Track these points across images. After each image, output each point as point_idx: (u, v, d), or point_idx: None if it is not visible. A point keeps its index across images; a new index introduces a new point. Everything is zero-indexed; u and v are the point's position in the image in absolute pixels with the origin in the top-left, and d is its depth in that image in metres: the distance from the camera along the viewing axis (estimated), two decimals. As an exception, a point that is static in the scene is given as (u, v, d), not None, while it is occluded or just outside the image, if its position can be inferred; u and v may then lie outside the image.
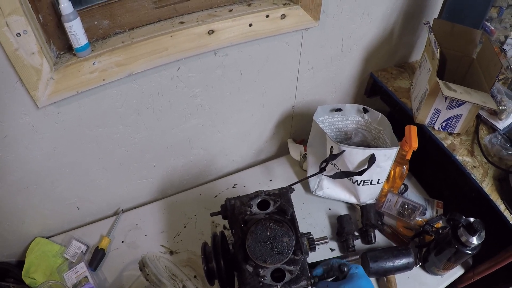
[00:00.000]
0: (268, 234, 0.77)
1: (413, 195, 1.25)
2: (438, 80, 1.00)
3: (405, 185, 1.25)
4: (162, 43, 0.89)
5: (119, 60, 0.87)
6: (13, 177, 0.96)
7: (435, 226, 1.10)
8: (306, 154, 1.28)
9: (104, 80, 0.87)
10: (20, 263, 1.13)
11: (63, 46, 0.86)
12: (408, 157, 1.07)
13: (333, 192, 1.21)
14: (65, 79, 0.83)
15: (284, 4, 0.99)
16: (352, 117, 1.19)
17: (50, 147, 0.96)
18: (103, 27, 0.88)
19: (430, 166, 1.26)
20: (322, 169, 1.04)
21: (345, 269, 0.79)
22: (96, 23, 0.87)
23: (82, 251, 1.12)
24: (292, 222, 0.83)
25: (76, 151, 1.00)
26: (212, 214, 0.93)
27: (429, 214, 1.19)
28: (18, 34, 0.72)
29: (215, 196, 1.28)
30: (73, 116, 0.92)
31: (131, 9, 0.88)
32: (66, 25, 0.78)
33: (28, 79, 0.79)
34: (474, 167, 1.07)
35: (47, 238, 1.16)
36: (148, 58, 0.89)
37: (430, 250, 1.06)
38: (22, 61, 0.76)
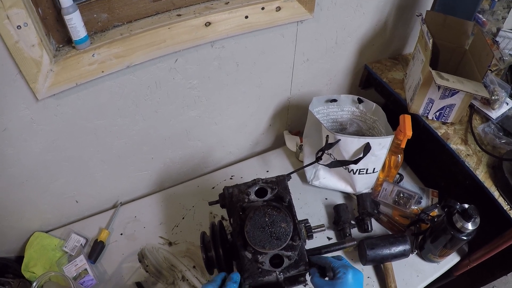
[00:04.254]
0: (266, 220, 0.78)
1: (409, 184, 1.27)
2: (431, 69, 1.02)
3: (401, 175, 1.27)
4: (160, 35, 0.90)
5: (118, 52, 0.88)
6: (12, 171, 0.97)
7: (430, 214, 1.12)
8: (302, 145, 1.30)
9: (103, 72, 0.88)
10: (19, 259, 1.13)
11: (62, 39, 0.87)
12: (403, 145, 1.08)
13: (329, 181, 1.22)
14: (65, 71, 0.84)
15: (279, -4, 1.01)
16: (347, 108, 1.21)
17: (49, 140, 0.96)
18: (102, 20, 0.89)
19: (424, 155, 1.27)
20: (318, 158, 1.06)
21: (332, 274, 0.75)
22: (95, 16, 0.88)
23: (81, 244, 1.12)
24: (290, 209, 0.84)
25: (75, 144, 1.01)
26: (211, 203, 0.94)
27: (424, 202, 1.20)
28: (19, 27, 0.73)
29: (213, 188, 1.29)
30: (72, 108, 0.93)
31: (129, 2, 0.89)
32: (66, 17, 0.79)
33: (28, 71, 0.80)
34: (468, 155, 1.08)
35: (46, 232, 1.16)
36: (146, 50, 0.90)
37: (426, 238, 1.07)
38: (22, 54, 0.76)
